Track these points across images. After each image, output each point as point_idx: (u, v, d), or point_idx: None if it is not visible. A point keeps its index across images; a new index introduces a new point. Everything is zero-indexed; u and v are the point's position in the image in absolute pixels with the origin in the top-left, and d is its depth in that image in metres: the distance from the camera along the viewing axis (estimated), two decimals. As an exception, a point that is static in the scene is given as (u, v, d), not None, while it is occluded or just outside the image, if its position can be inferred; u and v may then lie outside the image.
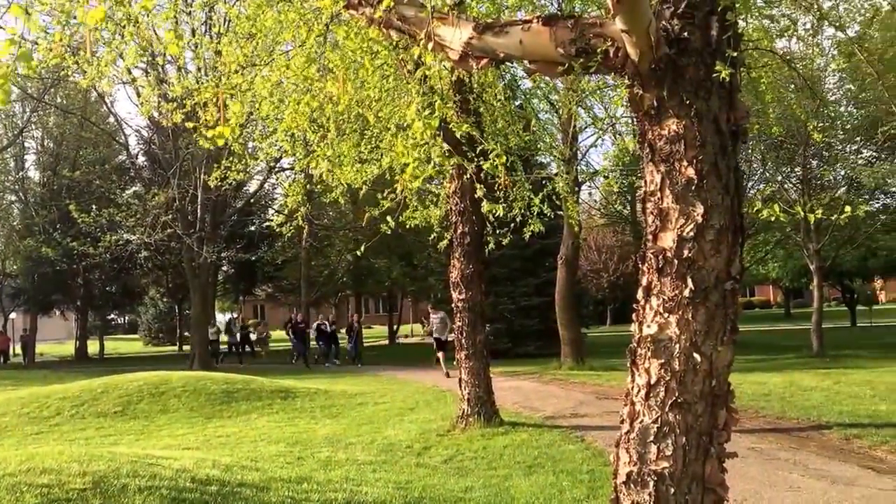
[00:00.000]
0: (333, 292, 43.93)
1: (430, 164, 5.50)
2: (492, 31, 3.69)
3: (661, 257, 3.41)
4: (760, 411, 11.99)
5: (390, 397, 15.44)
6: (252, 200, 37.11)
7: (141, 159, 37.60)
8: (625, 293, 49.46)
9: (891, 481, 7.46)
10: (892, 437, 9.40)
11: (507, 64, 3.97)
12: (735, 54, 3.43)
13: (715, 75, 3.33)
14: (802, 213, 6.91)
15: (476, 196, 8.55)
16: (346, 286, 44.00)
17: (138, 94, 26.15)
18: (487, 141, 8.23)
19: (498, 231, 11.36)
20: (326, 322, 30.13)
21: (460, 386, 11.33)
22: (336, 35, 6.15)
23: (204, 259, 29.04)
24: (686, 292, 3.34)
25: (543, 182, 13.61)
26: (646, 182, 3.56)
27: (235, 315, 36.64)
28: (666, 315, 3.39)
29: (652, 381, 3.41)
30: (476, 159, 7.22)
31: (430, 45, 3.96)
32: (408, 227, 11.05)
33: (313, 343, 30.69)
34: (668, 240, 3.41)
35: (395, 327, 48.82)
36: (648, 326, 3.45)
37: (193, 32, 18.87)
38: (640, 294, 3.54)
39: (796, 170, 24.66)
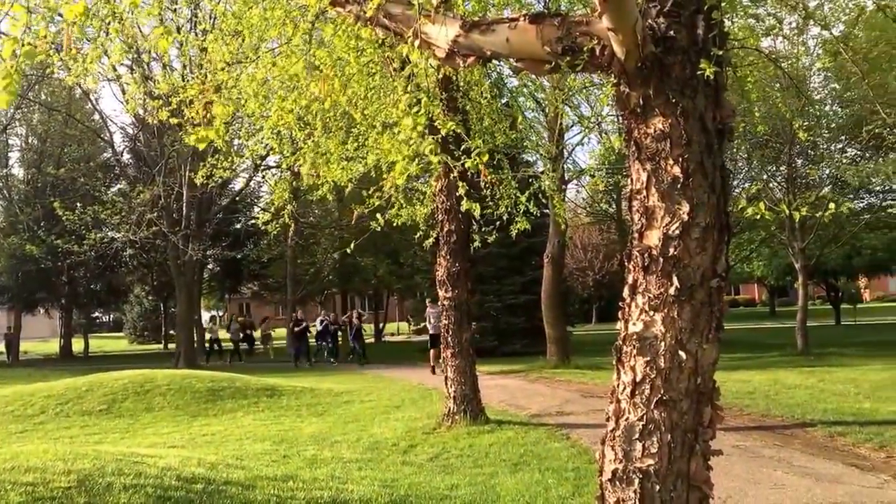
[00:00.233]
0: (319, 290, 43.81)
1: (415, 161, 5.51)
2: (478, 28, 3.68)
3: (646, 255, 3.42)
4: (745, 409, 12.06)
5: (376, 395, 15.43)
6: (238, 198, 36.96)
7: (126, 157, 37.40)
8: (610, 291, 49.58)
9: (874, 478, 7.52)
10: (875, 434, 9.47)
11: (494, 62, 3.97)
12: (721, 53, 3.44)
13: (701, 74, 3.34)
14: (787, 212, 6.96)
15: (458, 194, 8.57)
16: (332, 284, 43.90)
17: (123, 92, 26.10)
18: (473, 139, 8.23)
19: (484, 229, 11.38)
20: (328, 319, 29.39)
21: (446, 384, 11.34)
22: (323, 33, 6.14)
23: (189, 257, 28.91)
24: (672, 290, 3.35)
25: (530, 180, 13.63)
26: (632, 180, 3.56)
27: (221, 313, 36.30)
28: (651, 313, 3.40)
29: (637, 379, 3.42)
30: (461, 157, 7.22)
31: (417, 43, 3.95)
32: (394, 224, 11.05)
33: (312, 342, 30.09)
34: (653, 238, 3.41)
35: (381, 325, 48.75)
36: (634, 324, 3.46)
37: (179, 29, 18.78)
38: (625, 292, 3.54)
39: (781, 168, 24.79)
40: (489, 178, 9.73)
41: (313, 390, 15.86)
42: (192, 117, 6.76)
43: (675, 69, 3.38)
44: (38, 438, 11.37)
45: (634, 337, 3.45)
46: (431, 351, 20.55)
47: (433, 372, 19.56)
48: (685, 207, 3.35)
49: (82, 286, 42.36)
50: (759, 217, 4.49)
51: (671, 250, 3.36)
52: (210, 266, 43.58)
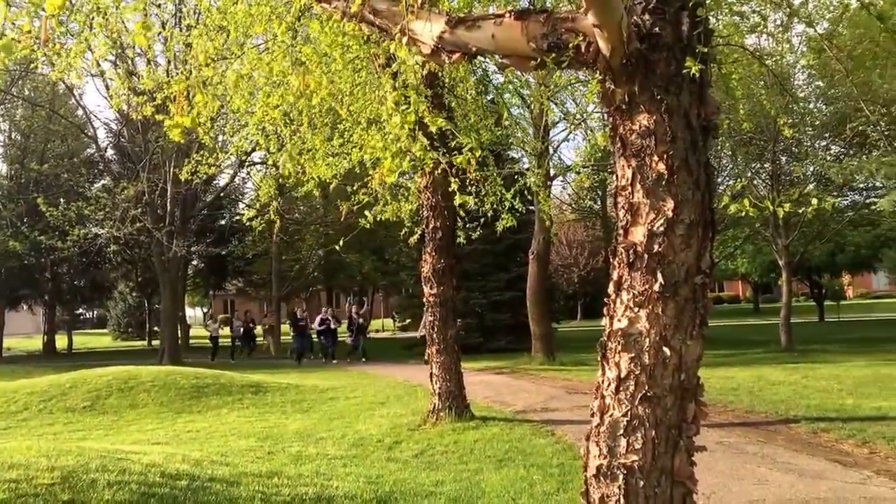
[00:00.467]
0: (304, 287, 43.73)
1: (406, 159, 5.49)
2: (464, 25, 3.68)
3: (631, 252, 3.43)
4: (729, 405, 12.12)
5: (361, 392, 15.41)
6: (222, 194, 36.83)
7: (110, 152, 37.14)
8: (595, 288, 49.75)
9: (857, 474, 7.57)
10: (858, 430, 9.54)
11: (480, 58, 3.97)
12: (706, 50, 3.45)
13: (685, 71, 3.34)
14: (771, 208, 7.00)
15: (450, 189, 8.55)
16: (317, 281, 43.83)
17: (107, 87, 25.95)
18: (461, 134, 8.23)
19: (468, 225, 11.39)
20: (330, 317, 28.19)
21: (431, 380, 11.34)
22: (309, 29, 6.11)
23: (174, 253, 28.79)
24: (656, 287, 3.36)
25: (516, 177, 13.64)
26: (617, 177, 3.57)
27: (206, 310, 35.98)
28: (636, 309, 3.41)
29: (622, 375, 3.43)
30: (449, 154, 7.21)
31: (405, 40, 3.94)
32: (379, 221, 11.03)
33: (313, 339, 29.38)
34: (638, 234, 3.42)
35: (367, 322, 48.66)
36: (619, 321, 3.47)
37: (164, 24, 18.67)
38: (610, 288, 3.55)
39: (766, 165, 24.95)
40: (474, 174, 9.73)
41: (298, 387, 15.83)
42: (177, 112, 6.72)
43: (659, 66, 3.39)
44: (22, 435, 11.30)
45: (619, 333, 3.46)
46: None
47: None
48: (670, 204, 3.36)
49: (66, 282, 42.10)
50: (743, 214, 4.51)
51: (656, 247, 3.37)
52: (194, 262, 43.46)
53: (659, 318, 3.37)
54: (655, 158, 3.38)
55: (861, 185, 29.00)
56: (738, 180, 25.65)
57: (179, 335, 33.14)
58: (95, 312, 74.53)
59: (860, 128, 20.94)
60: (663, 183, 3.37)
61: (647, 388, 3.38)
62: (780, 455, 8.55)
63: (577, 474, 6.52)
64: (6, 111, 36.96)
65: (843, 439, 9.27)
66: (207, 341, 32.65)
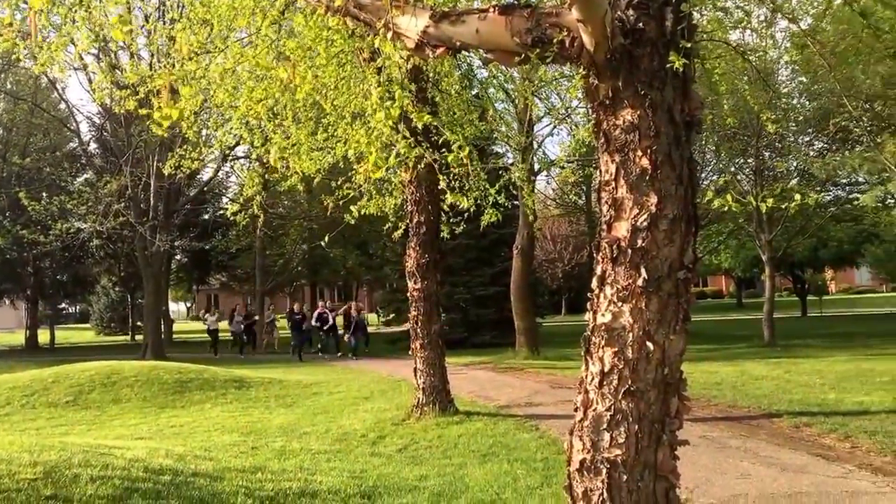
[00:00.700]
0: (288, 281, 43.61)
1: (392, 154, 5.48)
2: (448, 19, 3.67)
3: (615, 247, 3.44)
4: (712, 400, 12.18)
5: (345, 387, 15.39)
6: (206, 188, 36.65)
7: (93, 146, 36.88)
8: (580, 283, 49.91)
9: (839, 468, 7.63)
10: (840, 425, 9.61)
11: (464, 53, 3.96)
12: (689, 45, 3.45)
13: (669, 66, 3.35)
14: (754, 203, 7.04)
15: (439, 187, 8.54)
16: (301, 275, 43.72)
17: (90, 81, 25.73)
18: (446, 131, 8.21)
19: (452, 220, 11.38)
20: (328, 311, 27.39)
21: (415, 375, 11.34)
22: (294, 23, 6.08)
23: (157, 248, 28.61)
24: (640, 281, 3.37)
25: (500, 172, 13.64)
26: (601, 172, 3.57)
27: (188, 304, 35.60)
28: (620, 304, 3.42)
29: (605, 370, 3.44)
30: (435, 150, 7.20)
31: (389, 35, 3.93)
32: (363, 215, 11.00)
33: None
34: (622, 229, 3.43)
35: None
36: (602, 315, 3.47)
37: (147, 18, 18.52)
38: (594, 283, 3.56)
39: (749, 161, 25.05)
40: (459, 170, 9.72)
41: (282, 382, 15.80)
42: (160, 107, 6.68)
43: (643, 61, 3.39)
44: (4, 430, 11.21)
45: (603, 328, 3.47)
46: None
47: None
48: (653, 199, 3.37)
49: (48, 277, 41.81)
50: (726, 209, 4.53)
51: (639, 242, 3.38)
52: (178, 257, 43.26)
53: (642, 312, 3.38)
54: (639, 153, 3.39)
55: (844, 181, 29.22)
56: (722, 175, 25.80)
57: (163, 330, 32.94)
58: (78, 307, 74.19)
59: (843, 123, 21.07)
60: (647, 178, 3.38)
61: (630, 382, 3.39)
62: (762, 449, 8.61)
63: (561, 469, 6.54)
64: (-12, 105, 36.65)
65: (825, 433, 9.34)
66: (206, 335, 32.06)
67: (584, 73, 3.55)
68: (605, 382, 3.43)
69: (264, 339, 32.00)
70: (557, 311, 57.24)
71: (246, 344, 30.30)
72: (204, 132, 17.48)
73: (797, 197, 5.34)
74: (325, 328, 26.83)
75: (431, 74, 10.24)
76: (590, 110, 3.66)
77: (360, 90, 8.02)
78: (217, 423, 11.42)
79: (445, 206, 8.81)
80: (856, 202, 30.27)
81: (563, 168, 25.33)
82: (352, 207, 9.59)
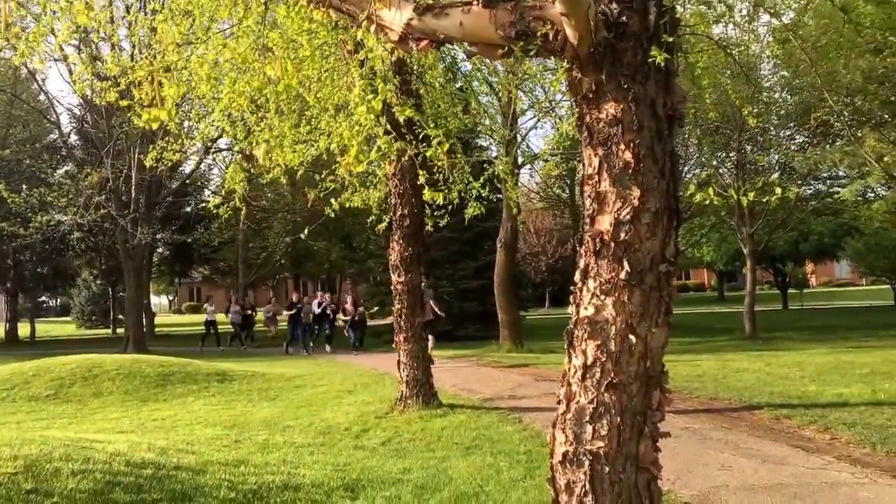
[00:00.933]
0: (271, 274, 43.51)
1: (374, 148, 5.47)
2: (432, 12, 3.66)
3: (598, 240, 3.45)
4: (694, 392, 12.26)
5: (329, 380, 15.37)
6: (188, 181, 36.46)
7: (73, 138, 36.61)
8: (563, 276, 50.01)
9: (819, 460, 7.70)
10: (820, 417, 9.70)
11: (448, 46, 3.95)
12: (672, 40, 3.46)
13: (652, 60, 3.36)
14: (736, 197, 7.08)
15: (418, 182, 8.54)
16: (285, 268, 43.62)
17: (71, 72, 25.49)
18: (428, 125, 8.20)
19: (436, 213, 11.38)
20: (327, 302, 26.58)
21: (399, 368, 11.34)
22: (277, 14, 6.05)
23: (138, 240, 28.45)
24: (622, 275, 3.38)
25: (484, 165, 13.64)
26: (584, 165, 3.58)
27: (171, 297, 35.30)
28: (602, 297, 3.43)
29: (588, 363, 3.45)
30: (417, 143, 7.19)
31: (372, 27, 3.91)
32: (347, 208, 10.97)
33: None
34: (605, 223, 3.44)
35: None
36: (585, 308, 3.48)
37: (128, 8, 18.38)
38: (577, 276, 3.57)
39: (731, 154, 25.19)
40: (442, 163, 9.72)
41: (265, 375, 15.76)
42: (142, 99, 6.63)
43: (626, 55, 3.40)
44: (-18, 425, 11.13)
45: (586, 321, 3.48)
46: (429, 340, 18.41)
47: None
48: (636, 192, 3.38)
49: (28, 270, 41.49)
50: (708, 202, 4.56)
51: (622, 235, 3.39)
52: (160, 250, 43.03)
53: (625, 305, 3.39)
54: (622, 147, 3.40)
55: (825, 175, 29.46)
56: (704, 169, 25.93)
57: (145, 323, 32.75)
58: (59, 300, 73.59)
59: (824, 118, 21.22)
60: (629, 172, 3.39)
61: (612, 375, 3.40)
62: (743, 441, 8.68)
63: (544, 461, 6.56)
64: (-34, 96, 36.24)
65: (805, 425, 9.43)
66: (202, 328, 31.46)
67: (567, 66, 3.55)
68: (587, 375, 3.45)
69: (269, 334, 31.45)
70: (541, 304, 57.46)
71: (242, 336, 29.68)
72: (186, 124, 17.38)
73: (777, 190, 5.38)
74: (322, 319, 26.02)
75: (415, 67, 10.22)
76: (573, 104, 3.66)
77: (344, 83, 7.99)
78: (200, 417, 11.38)
79: (429, 199, 8.80)
80: (836, 196, 30.52)
81: (546, 161, 25.32)
82: (332, 200, 9.56)
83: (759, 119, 18.95)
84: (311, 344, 25.77)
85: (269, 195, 37.59)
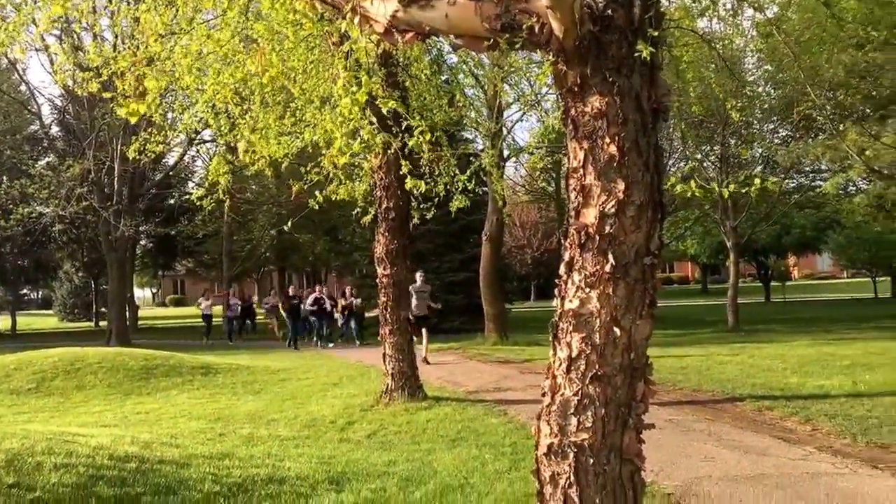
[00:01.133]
0: (256, 267, 43.35)
1: (357, 140, 5.45)
2: (417, 4, 3.65)
3: (583, 233, 3.45)
4: (677, 384, 12.34)
5: (314, 373, 15.36)
6: (171, 173, 36.22)
7: (55, 129, 36.28)
8: (549, 269, 50.12)
9: (800, 451, 7.78)
10: (801, 408, 9.79)
11: (434, 38, 3.95)
12: (657, 33, 3.47)
13: (637, 53, 3.36)
14: (717, 189, 7.12)
15: (401, 172, 8.52)
16: (269, 261, 43.47)
17: (52, 62, 25.27)
18: (413, 117, 8.18)
19: (422, 206, 11.37)
20: (324, 296, 25.60)
21: (384, 361, 11.35)
22: (261, 6, 6.01)
23: (121, 233, 28.25)
24: (607, 268, 3.39)
25: (470, 158, 13.64)
26: (569, 158, 3.59)
27: (155, 290, 35.01)
28: (587, 290, 3.44)
29: (573, 355, 3.46)
30: (402, 135, 7.18)
31: (357, 19, 3.90)
32: (332, 201, 10.95)
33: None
34: (590, 216, 3.45)
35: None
36: (570, 301, 3.49)
37: (110, -2, 18.20)
38: (562, 269, 3.57)
39: (715, 148, 25.29)
40: (427, 156, 9.71)
41: (249, 368, 15.72)
42: (124, 90, 6.58)
43: (612, 48, 3.40)
44: (-36, 419, 11.05)
45: (571, 314, 3.49)
46: (424, 336, 17.10)
47: (424, 361, 16.08)
48: (621, 186, 3.39)
49: (9, 262, 41.09)
50: (691, 195, 4.58)
51: (607, 228, 3.40)
52: (143, 242, 42.78)
53: (610, 298, 3.40)
54: (607, 140, 3.41)
55: (807, 169, 29.63)
56: (688, 163, 26.04)
57: (128, 316, 32.56)
58: (40, 293, 73.09)
59: (807, 112, 21.34)
60: (614, 165, 3.40)
61: (597, 367, 3.42)
62: (726, 432, 8.74)
63: (529, 453, 6.58)
64: (-55, 87, 35.81)
65: (787, 417, 9.51)
66: (201, 321, 30.96)
67: (553, 59, 3.55)
68: (572, 367, 3.46)
69: (270, 326, 30.68)
70: (526, 297, 57.53)
71: (242, 330, 29.23)
72: (170, 115, 17.26)
73: (756, 182, 5.42)
74: (318, 313, 25.22)
75: (401, 59, 10.20)
76: (559, 97, 3.66)
77: (329, 74, 7.97)
78: (183, 410, 11.35)
79: (415, 192, 8.80)
80: (818, 189, 30.74)
81: (531, 154, 25.34)
82: (317, 193, 9.54)
83: (742, 113, 19.05)
84: (317, 339, 25.13)
85: (254, 187, 37.41)
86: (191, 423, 10.01)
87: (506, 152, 22.30)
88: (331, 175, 10.60)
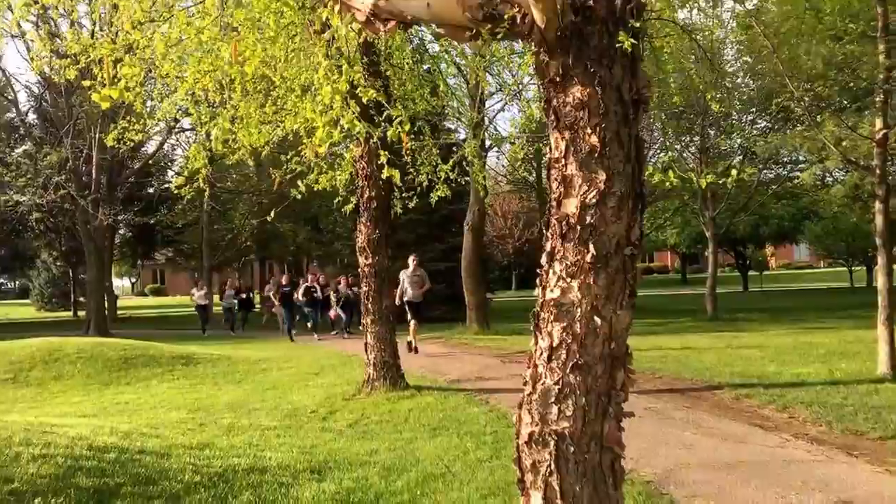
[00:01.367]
0: (237, 257, 43.14)
1: (338, 129, 5.43)
2: (399, -8, 3.64)
3: (564, 223, 3.47)
4: (657, 372, 12.43)
5: (295, 363, 15.33)
6: (150, 161, 35.96)
7: (31, 117, 35.88)
8: (530, 259, 50.18)
9: (777, 438, 7.87)
10: (779, 396, 9.90)
11: (416, 27, 3.93)
12: (638, 24, 3.48)
13: (618, 45, 3.38)
14: (696, 180, 7.17)
15: (380, 162, 8.50)
16: (250, 250, 43.28)
17: (28, 49, 24.97)
18: (394, 106, 8.16)
19: (404, 195, 11.37)
20: (318, 285, 24.69)
21: (366, 350, 11.35)
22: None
23: (99, 222, 28.04)
24: (588, 258, 3.41)
25: (453, 148, 13.63)
26: (550, 149, 3.60)
27: (134, 280, 34.70)
28: (568, 280, 3.46)
29: (554, 344, 3.48)
30: (382, 125, 7.15)
31: (337, 8, 3.89)
32: (314, 190, 10.92)
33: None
34: (571, 206, 3.46)
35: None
36: (552, 291, 3.51)
37: (88, -16, 17.98)
38: (543, 259, 3.59)
39: (695, 139, 25.43)
40: (409, 144, 9.69)
41: (230, 358, 15.67)
42: (103, 78, 6.52)
43: (593, 39, 3.41)
44: (-60, 409, 10.95)
45: (552, 303, 3.50)
46: (411, 324, 16.61)
47: (414, 350, 16.14)
48: (602, 176, 3.40)
49: (-15, 251, 40.75)
50: (670, 186, 4.61)
51: (588, 218, 3.41)
52: (122, 231, 42.48)
53: (591, 288, 3.42)
54: (588, 131, 3.42)
55: (785, 160, 29.83)
56: (668, 153, 26.15)
57: (107, 306, 32.34)
58: (17, 282, 72.43)
59: (785, 103, 21.45)
60: (596, 156, 3.41)
61: (578, 356, 3.44)
62: (704, 420, 8.83)
63: (510, 442, 6.61)
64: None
65: (765, 405, 9.61)
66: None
67: (535, 50, 3.56)
68: (553, 357, 3.48)
69: (269, 313, 30.14)
70: (508, 287, 57.71)
71: (245, 321, 28.48)
72: (149, 103, 17.11)
73: (733, 172, 5.46)
74: (311, 303, 24.25)
75: (383, 48, 10.16)
76: (540, 87, 3.66)
77: (310, 63, 7.93)
78: (163, 400, 11.31)
79: (397, 182, 8.81)
80: (796, 180, 30.96)
81: (513, 143, 25.38)
82: (300, 182, 9.50)
83: (721, 104, 19.14)
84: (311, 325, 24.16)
85: (234, 176, 37.21)
86: (171, 414, 9.98)
87: (487, 142, 22.32)
88: (312, 164, 10.58)
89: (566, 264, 3.47)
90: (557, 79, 3.49)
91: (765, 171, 29.17)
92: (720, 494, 5.94)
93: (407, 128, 5.20)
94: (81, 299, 43.14)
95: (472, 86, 18.69)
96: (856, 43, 14.45)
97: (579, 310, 3.45)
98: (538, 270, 3.62)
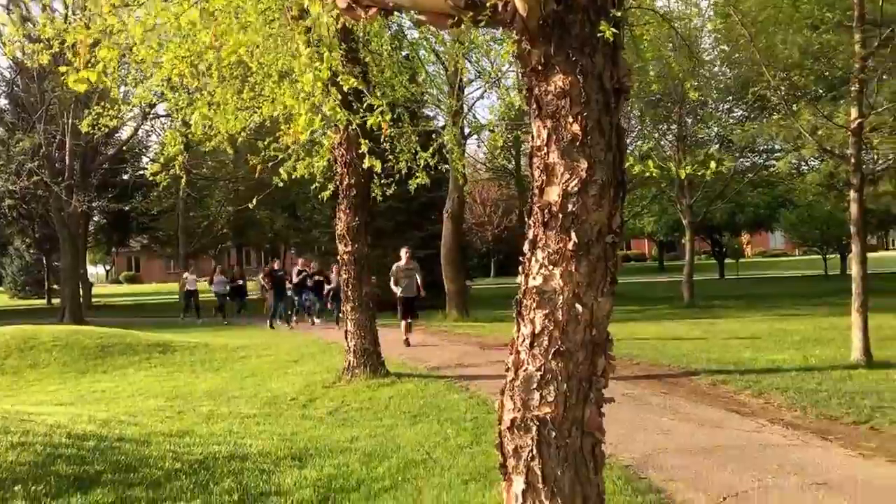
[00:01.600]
0: (213, 244, 42.87)
1: (319, 116, 5.41)
2: (381, -21, 3.63)
3: (546, 211, 3.48)
4: (635, 359, 12.53)
5: (274, 350, 15.30)
6: (125, 147, 35.59)
7: (3, 102, 35.40)
8: (509, 246, 50.38)
9: (753, 423, 7.97)
10: (754, 382, 10.02)
11: (395, 13, 3.92)
12: (619, 13, 3.50)
13: (600, 33, 3.39)
14: (674, 170, 7.22)
15: (360, 150, 8.48)
16: (227, 238, 43.04)
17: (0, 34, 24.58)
18: (374, 93, 8.14)
19: (383, 181, 11.35)
20: (307, 270, 23.78)
21: (346, 338, 11.34)
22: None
23: (73, 208, 27.74)
24: (570, 245, 3.43)
25: (432, 135, 13.61)
26: (533, 137, 3.60)
27: (108, 267, 34.33)
28: (550, 267, 3.47)
29: (536, 331, 3.50)
30: (362, 112, 7.13)
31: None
32: (292, 177, 10.86)
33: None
34: (553, 194, 3.47)
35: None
36: (534, 278, 3.53)
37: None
38: (526, 247, 3.60)
39: (672, 127, 25.55)
40: (388, 131, 9.66)
41: (207, 346, 15.60)
42: (77, 64, 6.44)
43: (575, 28, 3.42)
44: (-86, 398, 10.83)
45: (534, 290, 3.52)
46: (402, 323, 16.32)
47: (406, 343, 15.81)
48: (583, 165, 3.42)
49: (-43, 239, 40.21)
50: (648, 174, 4.64)
51: (570, 207, 3.43)
52: (96, 218, 42.08)
53: (572, 275, 3.44)
54: (570, 119, 3.43)
55: (761, 148, 30.06)
56: (646, 142, 26.28)
57: (81, 293, 32.03)
58: (-11, 270, 71.48)
59: (762, 92, 21.61)
60: (577, 144, 3.43)
61: (560, 343, 3.46)
62: (681, 406, 8.92)
63: (491, 428, 6.67)
64: None
65: (741, 390, 9.73)
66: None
67: (516, 38, 3.56)
68: (535, 343, 3.50)
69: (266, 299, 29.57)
70: (487, 274, 57.81)
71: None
72: (123, 88, 16.93)
73: (713, 164, 5.49)
74: (303, 288, 23.52)
75: (362, 34, 10.12)
76: (521, 76, 3.67)
77: (289, 49, 7.87)
78: (141, 388, 11.25)
79: (377, 169, 8.79)
80: (772, 168, 31.22)
81: (492, 131, 25.38)
82: (281, 170, 9.46)
83: (699, 92, 19.24)
84: (294, 317, 23.70)
85: (211, 163, 36.90)
86: (149, 402, 9.94)
87: (467, 130, 22.32)
88: (290, 151, 10.52)
89: (548, 252, 3.48)
90: (539, 67, 3.50)
91: (741, 160, 29.38)
92: (697, 478, 6.02)
93: (388, 116, 5.20)
94: (55, 287, 42.70)
95: (451, 73, 18.66)
96: (832, 32, 14.58)
97: (561, 297, 3.47)
98: (521, 258, 3.64)
